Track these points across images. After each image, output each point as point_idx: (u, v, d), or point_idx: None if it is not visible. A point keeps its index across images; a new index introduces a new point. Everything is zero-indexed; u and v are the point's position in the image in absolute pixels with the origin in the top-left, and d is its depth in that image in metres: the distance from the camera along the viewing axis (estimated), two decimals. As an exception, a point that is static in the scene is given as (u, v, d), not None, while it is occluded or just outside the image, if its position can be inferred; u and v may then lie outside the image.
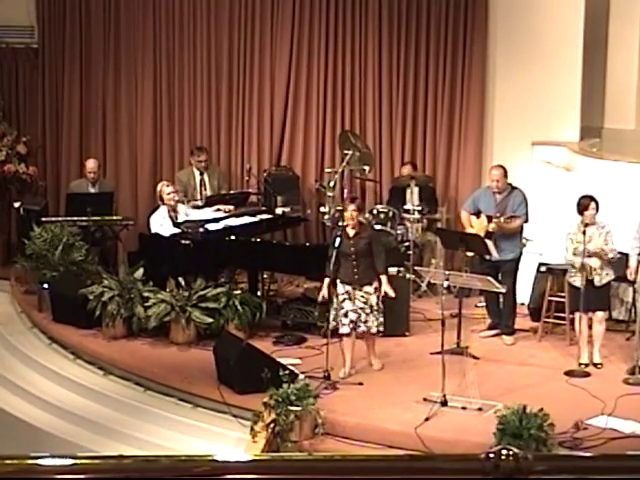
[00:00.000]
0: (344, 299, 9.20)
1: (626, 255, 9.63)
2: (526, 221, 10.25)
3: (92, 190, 12.45)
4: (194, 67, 13.25)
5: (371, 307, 9.17)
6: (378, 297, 9.19)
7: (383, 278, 9.22)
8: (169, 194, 10.89)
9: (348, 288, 9.19)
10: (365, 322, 9.17)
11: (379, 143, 12.62)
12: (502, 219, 9.98)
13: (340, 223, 10.34)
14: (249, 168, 12.62)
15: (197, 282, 10.32)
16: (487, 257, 9.99)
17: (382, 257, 9.25)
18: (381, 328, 9.27)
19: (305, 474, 2.17)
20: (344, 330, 9.20)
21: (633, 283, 9.82)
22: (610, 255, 9.40)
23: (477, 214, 10.32)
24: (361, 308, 9.18)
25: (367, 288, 9.19)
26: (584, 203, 9.45)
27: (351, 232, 9.19)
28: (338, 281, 9.22)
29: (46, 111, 13.81)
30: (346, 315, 9.19)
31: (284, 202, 12.16)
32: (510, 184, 10.32)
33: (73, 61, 13.61)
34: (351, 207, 9.25)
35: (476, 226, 10.24)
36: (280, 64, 12.89)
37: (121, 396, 9.56)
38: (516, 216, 10.06)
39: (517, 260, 10.21)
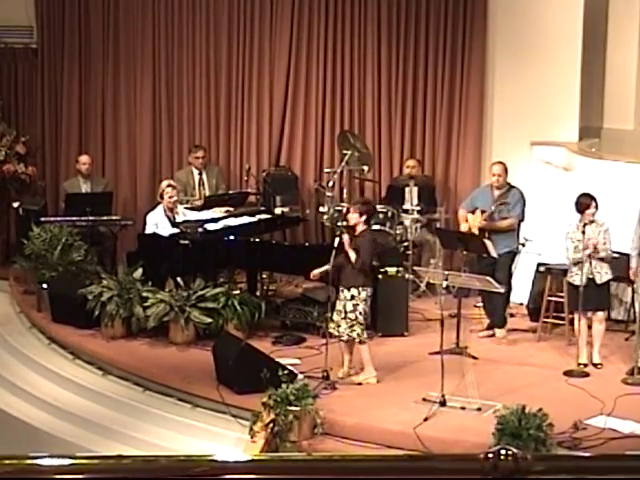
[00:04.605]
0: (335, 300, 9.20)
1: (627, 255, 9.63)
2: (522, 220, 10.30)
3: (84, 187, 12.53)
4: (193, 67, 13.26)
5: (345, 313, 9.04)
6: (354, 306, 9.02)
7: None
8: (171, 197, 10.92)
9: (339, 290, 9.19)
10: (340, 327, 9.12)
11: (378, 143, 12.63)
12: (493, 207, 10.09)
13: (339, 223, 10.34)
14: (248, 168, 12.62)
15: (196, 282, 10.32)
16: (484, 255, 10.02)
17: (364, 254, 9.07)
18: (357, 338, 9.06)
19: (304, 474, 2.17)
20: (333, 332, 9.17)
21: (632, 283, 9.82)
22: (602, 254, 9.38)
23: (474, 212, 10.38)
24: (338, 310, 9.14)
25: (345, 293, 9.06)
26: (585, 202, 9.43)
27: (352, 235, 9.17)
28: None
29: (45, 111, 13.81)
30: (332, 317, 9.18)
31: (283, 202, 12.17)
32: (509, 183, 10.40)
33: (72, 61, 13.61)
34: (349, 213, 9.26)
35: (471, 221, 10.29)
36: (279, 63, 12.90)
37: (120, 396, 9.56)
38: (506, 202, 10.16)
39: (513, 254, 10.26)
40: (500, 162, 10.51)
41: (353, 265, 8.99)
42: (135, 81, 13.46)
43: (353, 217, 9.15)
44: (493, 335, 10.40)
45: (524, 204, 10.29)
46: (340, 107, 12.77)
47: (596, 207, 9.39)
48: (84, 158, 12.73)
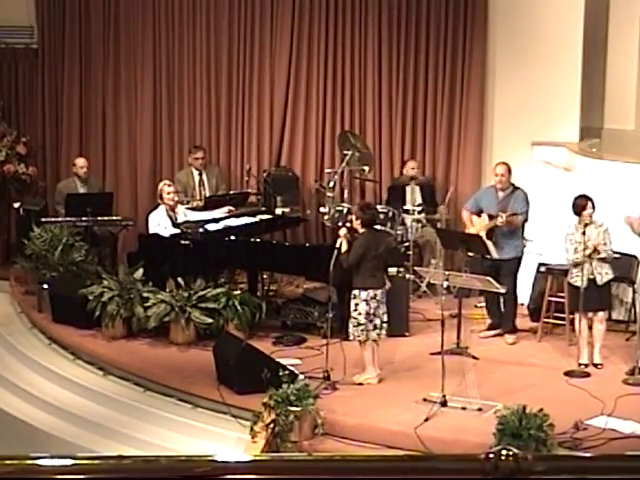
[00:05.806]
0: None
1: (627, 255, 9.63)
2: (525, 220, 10.27)
3: (82, 189, 12.51)
4: (194, 67, 13.26)
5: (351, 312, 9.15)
6: (356, 306, 9.04)
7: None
8: (169, 194, 10.93)
9: None
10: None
11: (379, 143, 12.63)
12: (504, 216, 9.98)
13: (340, 223, 10.35)
14: (249, 168, 12.63)
15: (197, 282, 10.32)
16: (487, 256, 10.00)
17: (352, 254, 9.08)
18: (357, 338, 9.11)
19: (305, 474, 2.17)
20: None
21: (633, 283, 9.82)
22: (603, 254, 9.36)
23: (479, 213, 10.34)
24: None
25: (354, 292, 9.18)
26: (581, 204, 9.42)
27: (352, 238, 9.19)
28: None
29: (46, 111, 13.81)
30: None
31: (284, 202, 12.17)
32: (512, 184, 10.35)
33: (73, 61, 13.61)
34: (351, 214, 9.31)
35: (477, 225, 10.26)
36: (280, 64, 12.90)
37: (121, 396, 9.56)
38: (517, 214, 10.08)
39: (518, 260, 10.21)
40: (504, 162, 10.43)
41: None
42: (135, 81, 13.46)
43: (354, 220, 9.18)
44: (494, 335, 10.38)
45: (528, 204, 10.25)
46: (341, 107, 12.78)
47: (593, 208, 9.38)
48: (81, 161, 12.67)
